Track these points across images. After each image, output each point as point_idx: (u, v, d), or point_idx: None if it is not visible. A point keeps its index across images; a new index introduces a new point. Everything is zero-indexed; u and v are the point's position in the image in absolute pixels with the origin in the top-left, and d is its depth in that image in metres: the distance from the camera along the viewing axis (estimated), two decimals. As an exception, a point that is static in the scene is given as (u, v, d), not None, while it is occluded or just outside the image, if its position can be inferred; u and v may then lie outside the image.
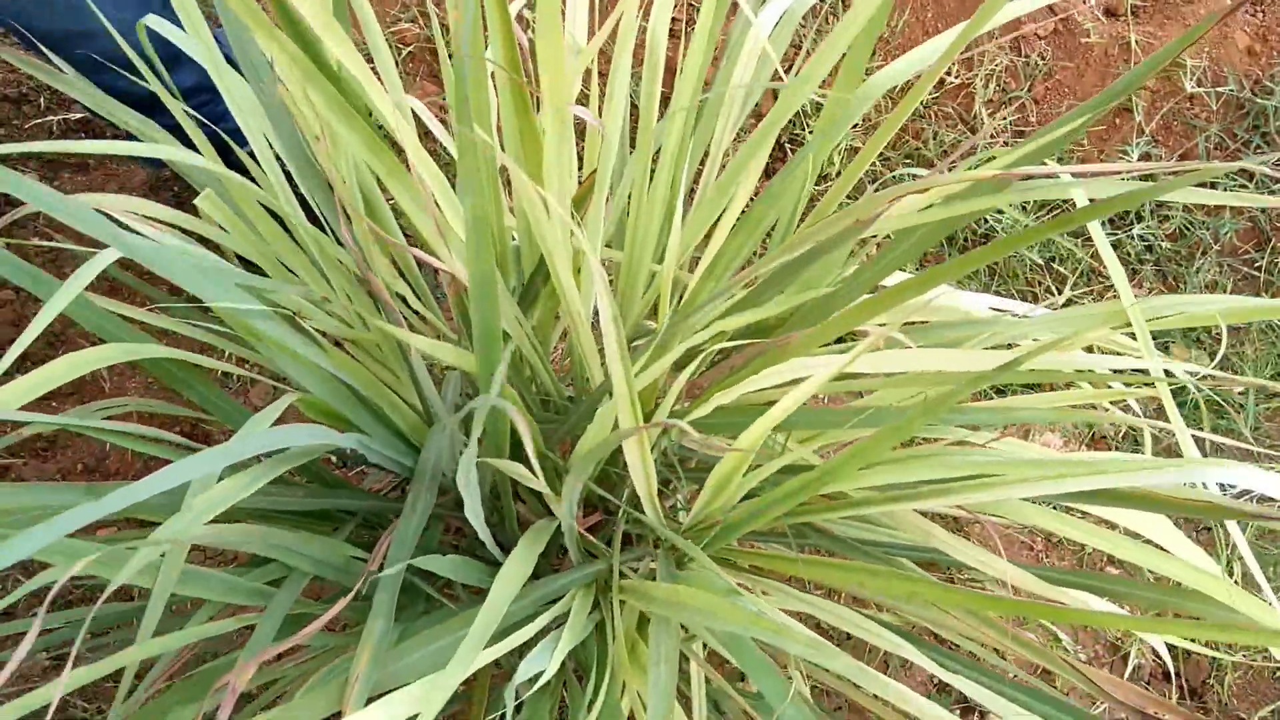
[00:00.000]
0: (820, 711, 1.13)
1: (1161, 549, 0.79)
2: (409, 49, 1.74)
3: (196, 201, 0.86)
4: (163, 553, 0.65)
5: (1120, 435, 1.63)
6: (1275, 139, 1.71)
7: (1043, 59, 1.75)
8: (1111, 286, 1.69)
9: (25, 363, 1.24)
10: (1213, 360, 1.66)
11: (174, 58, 1.07)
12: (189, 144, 0.89)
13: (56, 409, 1.48)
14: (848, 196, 1.63)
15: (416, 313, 1.04)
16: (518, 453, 0.87)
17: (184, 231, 0.91)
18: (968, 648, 1.03)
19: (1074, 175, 0.55)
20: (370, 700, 0.58)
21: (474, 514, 0.72)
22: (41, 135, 1.63)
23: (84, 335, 1.55)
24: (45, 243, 0.82)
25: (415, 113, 0.95)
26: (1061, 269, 1.71)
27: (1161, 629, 0.62)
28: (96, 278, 0.62)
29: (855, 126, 1.76)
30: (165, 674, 0.87)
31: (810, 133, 1.64)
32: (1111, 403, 0.87)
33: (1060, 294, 1.68)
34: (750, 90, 0.93)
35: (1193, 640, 1.16)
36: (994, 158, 0.71)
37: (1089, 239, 1.71)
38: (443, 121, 1.13)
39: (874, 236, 0.85)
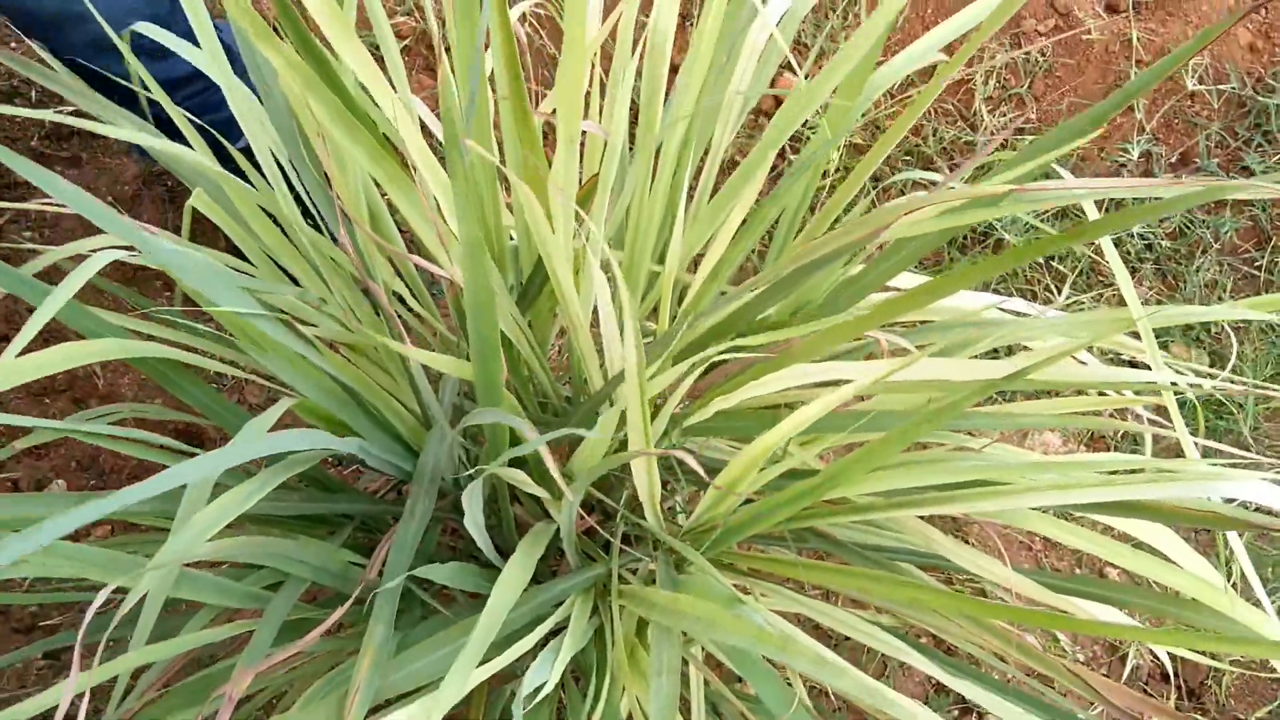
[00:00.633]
0: (820, 714, 1.13)
1: (1163, 556, 0.78)
2: (405, 42, 1.73)
3: (191, 201, 0.85)
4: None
5: (1119, 434, 1.63)
6: (1277, 137, 1.71)
7: (1043, 55, 1.74)
8: (1112, 284, 1.68)
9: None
10: (1212, 360, 1.65)
11: None
12: (181, 138, 0.88)
13: (50, 405, 1.47)
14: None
15: (414, 312, 1.03)
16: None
17: (176, 230, 0.90)
18: (966, 649, 1.03)
19: (1086, 189, 0.55)
20: (370, 713, 0.57)
21: (475, 526, 0.72)
22: (34, 129, 1.61)
23: (80, 336, 1.54)
24: (36, 246, 0.81)
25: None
26: (1061, 267, 1.71)
27: (1161, 639, 0.61)
28: (81, 286, 0.62)
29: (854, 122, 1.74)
30: (162, 678, 0.86)
31: (812, 130, 1.63)
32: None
33: (1060, 293, 1.68)
34: (752, 91, 0.92)
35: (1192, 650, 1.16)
36: (1001, 161, 0.71)
37: (1089, 237, 1.70)
38: (440, 117, 1.11)
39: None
